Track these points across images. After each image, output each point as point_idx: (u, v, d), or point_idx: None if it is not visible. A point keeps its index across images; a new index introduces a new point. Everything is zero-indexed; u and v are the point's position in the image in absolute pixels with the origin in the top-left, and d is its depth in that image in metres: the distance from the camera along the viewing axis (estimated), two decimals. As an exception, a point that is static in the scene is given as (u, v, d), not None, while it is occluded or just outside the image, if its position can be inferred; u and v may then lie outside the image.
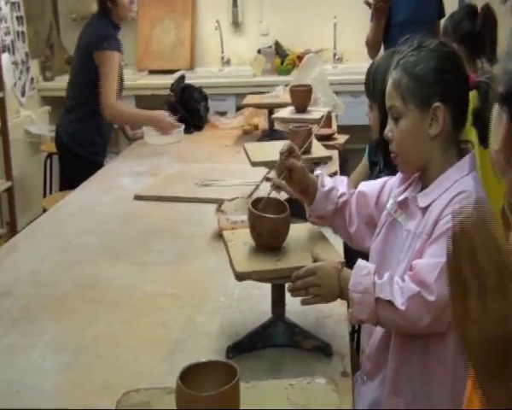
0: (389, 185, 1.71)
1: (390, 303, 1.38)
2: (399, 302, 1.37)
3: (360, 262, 1.46)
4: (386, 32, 3.91)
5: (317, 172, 1.78)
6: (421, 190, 1.56)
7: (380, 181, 1.77)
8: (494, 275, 0.75)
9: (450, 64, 1.51)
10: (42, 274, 1.94)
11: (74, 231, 2.27)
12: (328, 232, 1.74)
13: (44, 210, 2.89)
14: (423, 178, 1.56)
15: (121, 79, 3.51)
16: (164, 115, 3.50)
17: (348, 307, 1.45)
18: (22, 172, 4.50)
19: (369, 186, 1.77)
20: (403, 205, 1.58)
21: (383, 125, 1.65)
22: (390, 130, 1.54)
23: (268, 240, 1.51)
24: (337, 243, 1.79)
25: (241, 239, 1.56)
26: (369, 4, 3.69)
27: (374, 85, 2.24)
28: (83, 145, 3.47)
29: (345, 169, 5.28)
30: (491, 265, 0.75)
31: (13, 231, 4.10)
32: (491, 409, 0.77)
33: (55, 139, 3.64)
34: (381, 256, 1.62)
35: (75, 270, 1.96)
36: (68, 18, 5.35)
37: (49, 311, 1.73)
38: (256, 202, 1.57)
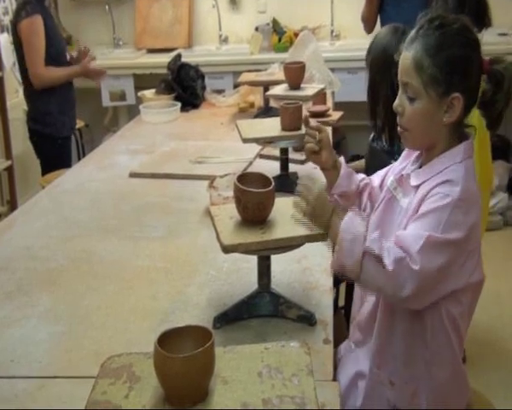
0: (393, 168, 1.75)
1: (378, 260, 1.36)
2: (387, 262, 1.35)
3: (356, 211, 1.45)
4: (381, 7, 3.93)
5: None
6: (419, 168, 1.59)
7: (387, 168, 1.80)
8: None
9: (474, 53, 1.48)
10: (37, 249, 1.99)
11: (70, 208, 2.32)
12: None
13: (43, 188, 2.94)
14: (424, 156, 1.58)
15: (54, 38, 3.48)
16: (86, 65, 3.60)
17: (333, 251, 1.43)
18: (22, 151, 4.55)
19: (378, 175, 1.82)
20: (400, 181, 1.63)
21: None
22: (401, 104, 1.52)
23: (253, 213, 1.55)
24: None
25: (228, 214, 1.61)
26: None
27: (371, 61, 2.29)
28: (39, 121, 3.53)
29: (343, 145, 5.35)
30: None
31: (13, 209, 4.15)
32: None
33: (29, 135, 3.68)
34: (378, 231, 1.66)
35: (69, 244, 2.02)
36: (66, -3, 5.38)
37: (44, 284, 1.78)
38: (241, 177, 1.61)
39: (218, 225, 1.56)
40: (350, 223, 1.40)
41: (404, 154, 1.71)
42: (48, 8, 3.67)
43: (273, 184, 1.57)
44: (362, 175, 1.82)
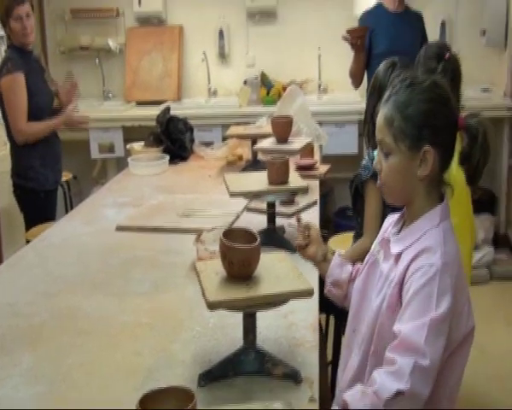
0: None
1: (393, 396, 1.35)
2: (403, 383, 1.35)
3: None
4: (368, 63, 4.02)
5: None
6: (402, 227, 1.61)
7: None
8: None
9: (442, 107, 1.52)
10: (21, 305, 1.97)
11: (55, 263, 2.31)
12: (301, 263, 1.79)
13: (27, 242, 2.93)
14: (406, 215, 1.60)
15: (38, 94, 3.48)
16: (69, 115, 3.59)
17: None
18: (8, 204, 4.51)
19: None
20: (382, 244, 1.66)
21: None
22: (379, 162, 1.57)
23: (239, 269, 1.55)
24: (311, 274, 1.83)
25: (213, 269, 1.60)
26: (346, 40, 3.81)
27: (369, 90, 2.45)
28: (21, 175, 3.51)
29: (330, 198, 5.39)
30: None
31: (-1, 263, 4.12)
32: None
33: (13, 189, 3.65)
34: (362, 295, 1.68)
35: (54, 300, 1.99)
36: (57, 51, 5.43)
37: (26, 341, 1.75)
38: (227, 233, 1.61)
39: (203, 281, 1.56)
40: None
41: (388, 217, 1.73)
42: (35, 62, 3.67)
43: (258, 240, 1.57)
44: (358, 265, 1.83)
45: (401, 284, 1.48)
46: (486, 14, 4.86)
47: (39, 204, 3.46)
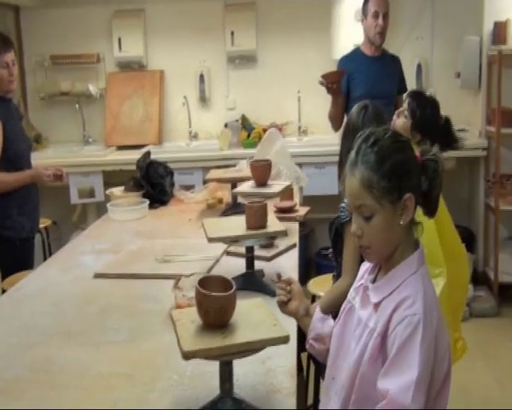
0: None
1: None
2: None
3: None
4: (347, 106, 4.07)
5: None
6: (378, 273, 1.62)
7: None
8: None
9: (409, 152, 1.55)
10: (-6, 358, 1.93)
11: (31, 313, 2.27)
12: (276, 312, 1.79)
13: (3, 292, 2.89)
14: (384, 262, 1.60)
15: (13, 141, 3.43)
16: (37, 172, 3.53)
17: None
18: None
19: None
20: (358, 290, 1.66)
21: None
22: (359, 227, 1.55)
23: (215, 318, 1.54)
24: (289, 318, 1.82)
25: (190, 317, 1.59)
26: (323, 84, 3.87)
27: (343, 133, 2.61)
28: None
29: (312, 238, 5.39)
30: None
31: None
32: None
33: None
34: (339, 342, 1.67)
35: (29, 353, 1.96)
36: (36, 97, 5.45)
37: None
38: (203, 281, 1.60)
39: (179, 330, 1.54)
40: None
41: (364, 262, 1.73)
42: (15, 109, 3.67)
43: (234, 287, 1.56)
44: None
45: (384, 334, 1.48)
46: (461, 57, 4.97)
47: (15, 253, 3.41)
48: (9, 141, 3.39)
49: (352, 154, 1.55)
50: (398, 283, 1.52)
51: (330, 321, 1.79)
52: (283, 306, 1.79)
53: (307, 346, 1.82)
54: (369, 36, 4.11)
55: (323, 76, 3.86)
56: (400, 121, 2.99)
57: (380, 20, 4.03)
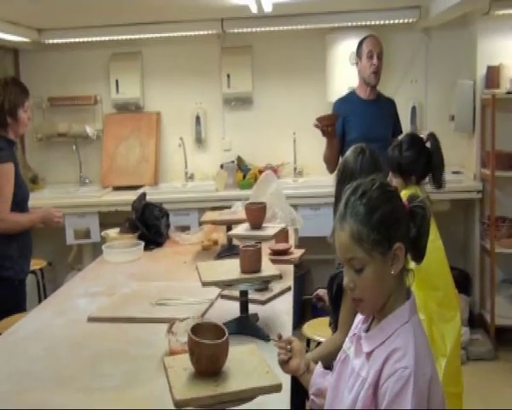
0: None
1: None
2: None
3: None
4: (342, 148, 4.10)
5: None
6: (371, 322, 1.62)
7: None
8: None
9: (397, 201, 1.56)
10: (-14, 405, 1.91)
11: (24, 358, 2.25)
12: (273, 352, 1.78)
13: (-1, 334, 2.87)
14: (377, 312, 1.60)
15: (22, 185, 3.51)
16: (49, 213, 3.63)
17: None
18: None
19: None
20: (352, 340, 1.67)
21: None
22: (351, 280, 1.55)
23: (207, 365, 1.53)
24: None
25: (182, 365, 1.58)
26: (317, 127, 3.91)
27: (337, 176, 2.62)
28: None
29: (308, 279, 5.38)
30: None
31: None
32: None
33: None
34: (334, 392, 1.67)
35: (20, 399, 1.94)
36: (33, 138, 5.49)
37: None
38: (196, 327, 1.60)
39: (171, 377, 1.54)
40: None
41: (357, 314, 1.73)
42: (16, 152, 3.72)
43: (227, 335, 1.55)
44: None
45: (375, 385, 1.48)
46: (454, 100, 5.03)
47: (13, 293, 3.41)
48: (17, 185, 3.43)
49: (341, 206, 1.56)
50: (390, 333, 1.52)
51: (330, 375, 1.78)
52: (284, 365, 1.80)
53: (309, 402, 1.82)
54: (364, 77, 4.15)
55: (318, 119, 3.90)
56: (397, 182, 3.05)
57: (374, 60, 4.08)
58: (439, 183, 3.08)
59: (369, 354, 1.54)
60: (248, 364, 1.61)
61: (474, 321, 4.84)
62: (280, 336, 1.84)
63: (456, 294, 3.07)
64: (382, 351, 1.50)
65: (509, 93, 4.57)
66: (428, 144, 3.12)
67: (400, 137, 3.22)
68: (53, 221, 3.64)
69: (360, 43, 4.18)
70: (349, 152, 2.67)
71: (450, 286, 3.03)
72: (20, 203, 3.47)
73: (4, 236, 3.39)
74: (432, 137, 3.15)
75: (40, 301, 4.24)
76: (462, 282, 4.95)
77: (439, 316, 2.92)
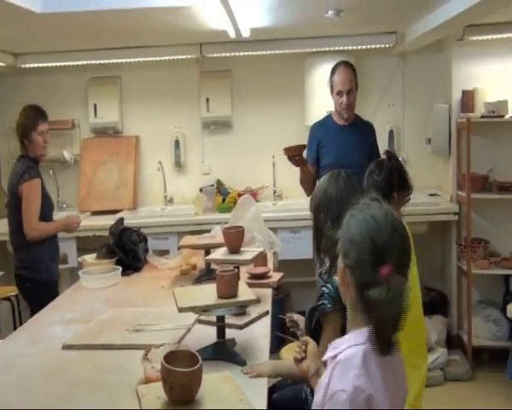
0: None
1: None
2: None
3: None
4: (318, 174, 4.11)
5: None
6: None
7: None
8: None
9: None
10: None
11: (-3, 387, 2.22)
12: (248, 379, 1.77)
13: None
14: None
15: (47, 198, 3.93)
16: (71, 220, 4.10)
17: None
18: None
19: None
20: None
21: None
22: None
23: (180, 394, 1.52)
24: (257, 391, 1.80)
25: (156, 393, 1.57)
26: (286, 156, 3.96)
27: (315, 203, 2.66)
28: (34, 268, 3.80)
29: (287, 302, 5.37)
30: None
31: None
32: None
33: (17, 283, 3.92)
34: None
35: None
36: (10, 162, 5.42)
37: None
38: (170, 355, 1.59)
39: (144, 407, 1.52)
40: None
41: None
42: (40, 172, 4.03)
43: (200, 362, 1.55)
44: None
45: (325, 390, 1.51)
46: (431, 124, 5.08)
47: (48, 293, 3.63)
48: (43, 198, 3.83)
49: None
50: (344, 347, 1.54)
51: None
52: (297, 362, 1.95)
53: None
54: (336, 109, 4.17)
55: (285, 149, 3.94)
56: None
57: (344, 99, 4.05)
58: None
59: (324, 363, 1.62)
60: (222, 391, 1.60)
61: (452, 342, 4.86)
62: (297, 335, 2.02)
63: (425, 346, 3.14)
64: (333, 361, 1.54)
65: (483, 117, 4.63)
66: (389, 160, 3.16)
67: (369, 167, 3.23)
68: (73, 227, 4.08)
69: (332, 74, 4.14)
70: (322, 181, 2.68)
71: (423, 337, 3.09)
72: (46, 214, 3.86)
73: (36, 243, 3.77)
74: (388, 152, 3.20)
75: (16, 328, 4.19)
76: (440, 303, 4.98)
77: (408, 361, 2.92)
